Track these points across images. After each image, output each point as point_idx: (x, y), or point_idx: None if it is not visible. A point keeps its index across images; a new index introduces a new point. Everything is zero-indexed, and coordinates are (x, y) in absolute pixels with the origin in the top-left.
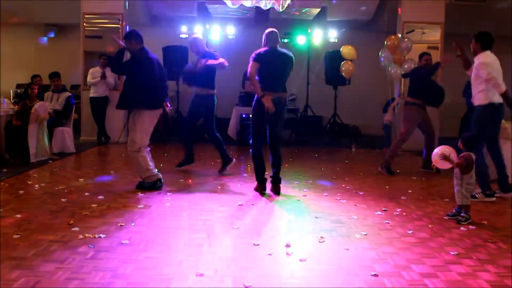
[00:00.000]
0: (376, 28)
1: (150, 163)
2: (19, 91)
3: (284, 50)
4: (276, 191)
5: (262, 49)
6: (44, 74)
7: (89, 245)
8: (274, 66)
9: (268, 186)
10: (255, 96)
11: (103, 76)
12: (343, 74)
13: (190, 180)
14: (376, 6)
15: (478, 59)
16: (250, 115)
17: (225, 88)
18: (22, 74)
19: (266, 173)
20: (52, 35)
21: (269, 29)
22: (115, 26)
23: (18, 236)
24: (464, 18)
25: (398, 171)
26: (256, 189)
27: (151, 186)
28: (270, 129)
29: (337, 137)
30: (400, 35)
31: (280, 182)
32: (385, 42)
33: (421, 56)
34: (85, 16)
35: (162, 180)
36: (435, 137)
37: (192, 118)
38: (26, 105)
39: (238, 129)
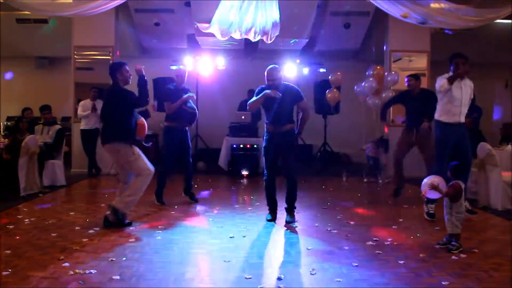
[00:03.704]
0: (364, 58)
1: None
2: (9, 123)
3: (288, 84)
4: (290, 219)
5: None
6: (35, 107)
7: (80, 281)
8: (273, 100)
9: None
10: (265, 131)
11: (94, 109)
12: (329, 101)
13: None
14: (363, 36)
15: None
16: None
17: (215, 119)
18: (13, 107)
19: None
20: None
21: (270, 66)
22: (106, 58)
23: (8, 272)
24: (449, 46)
25: (390, 202)
26: (268, 220)
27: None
28: (283, 161)
29: (328, 165)
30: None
31: (293, 210)
32: (372, 72)
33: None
34: (76, 48)
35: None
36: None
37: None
38: (17, 139)
39: (229, 159)
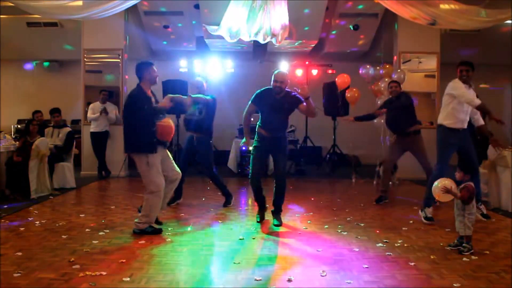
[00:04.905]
0: (373, 59)
1: None
2: (19, 126)
3: (287, 90)
4: (277, 222)
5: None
6: (45, 109)
7: (90, 283)
8: (270, 106)
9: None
10: (256, 132)
11: (104, 112)
12: (348, 100)
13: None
14: (373, 38)
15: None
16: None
17: (224, 121)
18: (23, 110)
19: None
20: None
21: (279, 69)
22: (116, 61)
23: (19, 274)
24: (459, 47)
25: (400, 204)
26: (258, 222)
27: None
28: (275, 165)
29: (337, 167)
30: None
31: (279, 213)
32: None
33: (389, 84)
34: (86, 51)
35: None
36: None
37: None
38: (27, 141)
39: (238, 161)
